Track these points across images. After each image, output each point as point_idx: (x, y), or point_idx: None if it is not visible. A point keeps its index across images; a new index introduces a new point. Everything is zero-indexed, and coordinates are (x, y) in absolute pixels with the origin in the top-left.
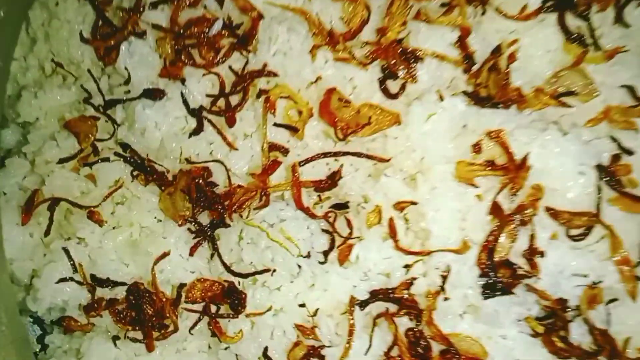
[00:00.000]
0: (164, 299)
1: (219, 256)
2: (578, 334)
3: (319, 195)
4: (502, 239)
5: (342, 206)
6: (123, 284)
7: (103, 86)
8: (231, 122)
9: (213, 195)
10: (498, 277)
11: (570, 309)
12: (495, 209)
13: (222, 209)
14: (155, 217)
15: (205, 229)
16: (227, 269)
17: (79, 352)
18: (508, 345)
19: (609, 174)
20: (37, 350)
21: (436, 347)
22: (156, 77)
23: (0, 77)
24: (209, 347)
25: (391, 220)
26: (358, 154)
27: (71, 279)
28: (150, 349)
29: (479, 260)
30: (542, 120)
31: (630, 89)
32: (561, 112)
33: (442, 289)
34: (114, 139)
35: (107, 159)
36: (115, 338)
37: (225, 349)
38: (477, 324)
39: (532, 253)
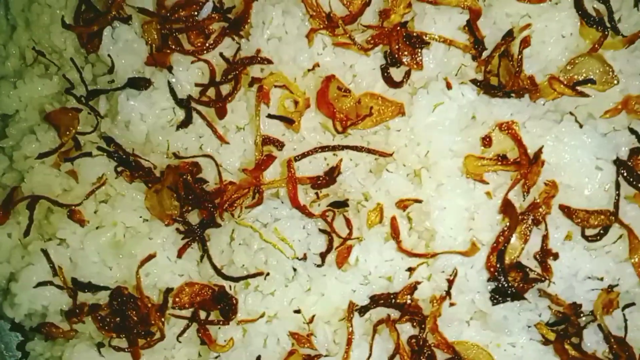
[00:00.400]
0: (149, 305)
1: (209, 258)
2: (592, 342)
3: (316, 193)
4: (513, 239)
5: (341, 204)
6: (106, 288)
7: (86, 76)
8: (222, 114)
9: (203, 192)
10: (508, 281)
11: (584, 315)
12: (506, 207)
13: (213, 207)
14: (140, 217)
15: (195, 229)
16: (218, 272)
17: None
18: (517, 354)
19: (628, 168)
20: (18, 358)
21: (441, 356)
22: (142, 65)
23: None
24: (199, 355)
25: (393, 219)
26: (358, 148)
27: (51, 283)
28: (135, 358)
29: (488, 262)
30: (556, 111)
31: None
32: (577, 102)
33: (448, 294)
34: (97, 132)
35: (89, 154)
36: (99, 345)
37: (216, 358)
38: (484, 331)
39: (545, 255)
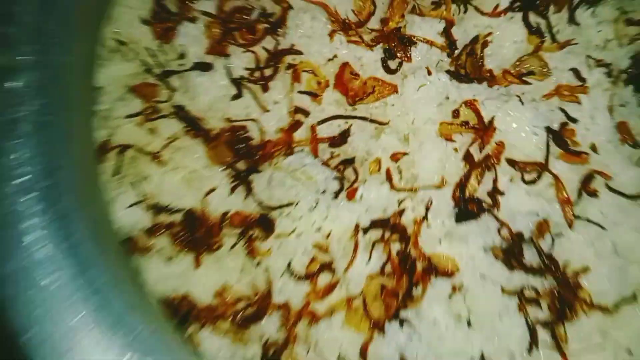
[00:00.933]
0: (211, 223)
1: (253, 195)
2: (529, 257)
3: (331, 153)
4: (472, 180)
5: (349, 161)
6: (180, 210)
7: (160, 60)
8: (265, 90)
9: (248, 147)
10: (467, 207)
11: (524, 240)
12: (468, 158)
13: (256, 158)
14: (203, 163)
15: (242, 174)
16: (259, 204)
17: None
18: (475, 264)
19: (555, 134)
20: None
21: (420, 265)
22: (205, 54)
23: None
24: (244, 264)
25: (388, 168)
26: (364, 118)
27: (137, 204)
28: (197, 264)
29: (454, 195)
30: (507, 95)
31: (577, 72)
32: (523, 89)
33: (426, 217)
34: (171, 101)
35: (165, 116)
36: (169, 259)
37: (258, 264)
38: (451, 246)
39: (494, 192)
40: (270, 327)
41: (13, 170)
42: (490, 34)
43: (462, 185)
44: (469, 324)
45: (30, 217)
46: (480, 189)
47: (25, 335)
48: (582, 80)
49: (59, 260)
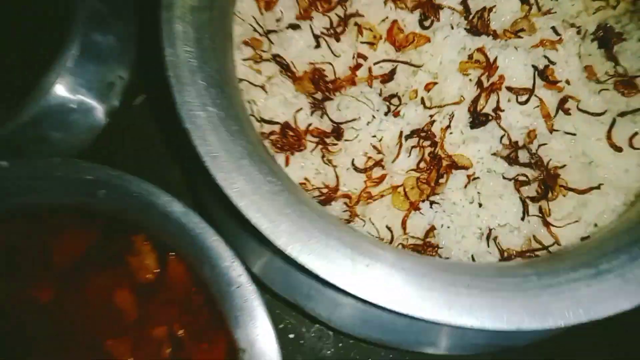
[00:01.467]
0: (298, 133)
1: (327, 115)
2: (522, 156)
3: (382, 85)
4: (481, 100)
5: (394, 95)
6: (277, 123)
7: (262, 23)
8: (337, 41)
9: (324, 82)
10: (479, 117)
11: (518, 145)
12: (478, 84)
13: (329, 89)
14: (292, 93)
15: (319, 100)
16: (332, 121)
17: None
18: (484, 160)
19: (541, 73)
20: None
21: (444, 162)
22: (296, 18)
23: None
24: (320, 163)
25: (422, 96)
26: (405, 62)
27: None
28: (287, 163)
29: (469, 109)
30: (506, 45)
31: (555, 30)
32: (517, 41)
33: (449, 127)
34: (270, 51)
35: (267, 60)
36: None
37: (329, 162)
38: (467, 148)
39: (497, 109)
40: (336, 209)
41: None
42: (495, 5)
43: (475, 102)
44: (479, 205)
45: None
46: (487, 106)
47: None
48: (559, 35)
49: None
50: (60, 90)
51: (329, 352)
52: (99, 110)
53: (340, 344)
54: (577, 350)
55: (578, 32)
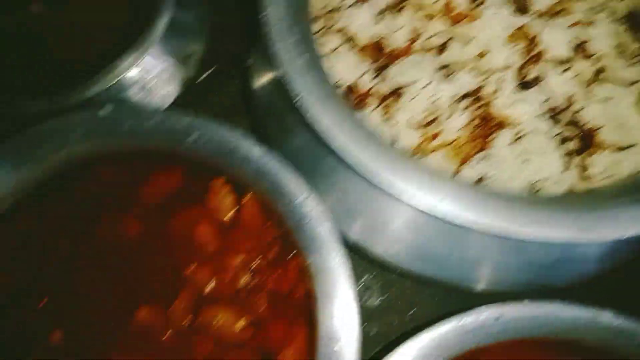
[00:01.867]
0: (361, 93)
1: (388, 76)
2: (564, 118)
3: (438, 55)
4: (526, 67)
5: (447, 65)
6: (344, 85)
7: (332, 3)
8: (396, 17)
9: (385, 52)
10: (525, 83)
11: (559, 109)
12: (524, 55)
13: (390, 57)
14: (355, 62)
15: (380, 68)
16: (390, 86)
17: None
18: (530, 119)
19: (577, 47)
20: None
21: (494, 120)
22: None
23: None
24: (380, 122)
25: (473, 65)
26: (457, 36)
27: None
28: None
29: (517, 75)
30: (546, 23)
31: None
32: (555, 22)
33: (497, 90)
34: (346, 27)
35: (334, 32)
36: None
37: (389, 119)
38: (515, 109)
39: (538, 77)
40: None
41: None
42: None
43: (521, 69)
44: (524, 160)
45: None
46: (531, 74)
47: None
48: (593, 18)
49: None
50: (149, 59)
51: (376, 302)
52: (177, 80)
53: (387, 294)
54: (611, 296)
55: (609, 16)
